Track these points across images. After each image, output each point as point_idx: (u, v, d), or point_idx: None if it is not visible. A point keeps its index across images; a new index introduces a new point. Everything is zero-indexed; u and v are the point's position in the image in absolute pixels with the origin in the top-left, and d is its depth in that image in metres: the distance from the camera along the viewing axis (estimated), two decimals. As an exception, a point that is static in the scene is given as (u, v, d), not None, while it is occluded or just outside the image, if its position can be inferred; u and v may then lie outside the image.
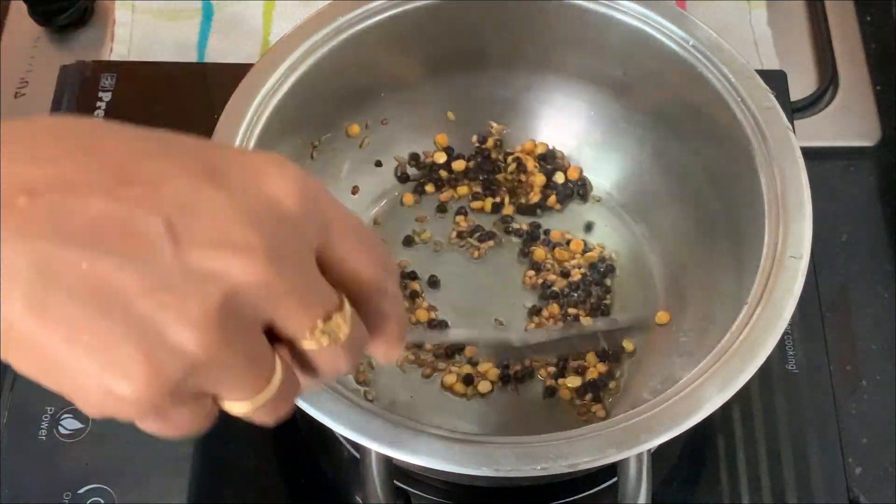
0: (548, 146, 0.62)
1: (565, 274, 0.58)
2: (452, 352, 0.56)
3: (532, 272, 0.59)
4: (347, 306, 0.30)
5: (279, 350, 0.30)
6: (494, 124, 0.62)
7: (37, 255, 0.26)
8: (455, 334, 0.57)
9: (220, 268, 0.27)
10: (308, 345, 0.30)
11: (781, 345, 0.57)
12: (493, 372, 0.55)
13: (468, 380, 0.55)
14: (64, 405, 0.55)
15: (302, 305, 0.29)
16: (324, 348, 0.30)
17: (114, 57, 0.71)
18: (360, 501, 0.54)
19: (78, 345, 0.26)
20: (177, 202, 0.27)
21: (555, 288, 0.58)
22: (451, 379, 0.56)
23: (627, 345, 0.57)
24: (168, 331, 0.26)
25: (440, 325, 0.57)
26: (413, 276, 0.59)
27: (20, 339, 0.26)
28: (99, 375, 0.26)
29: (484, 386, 0.55)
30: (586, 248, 0.59)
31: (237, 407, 0.30)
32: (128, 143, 0.28)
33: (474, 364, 0.56)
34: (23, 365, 0.27)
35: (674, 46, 0.54)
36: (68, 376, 0.27)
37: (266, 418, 0.31)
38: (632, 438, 0.42)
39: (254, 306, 0.28)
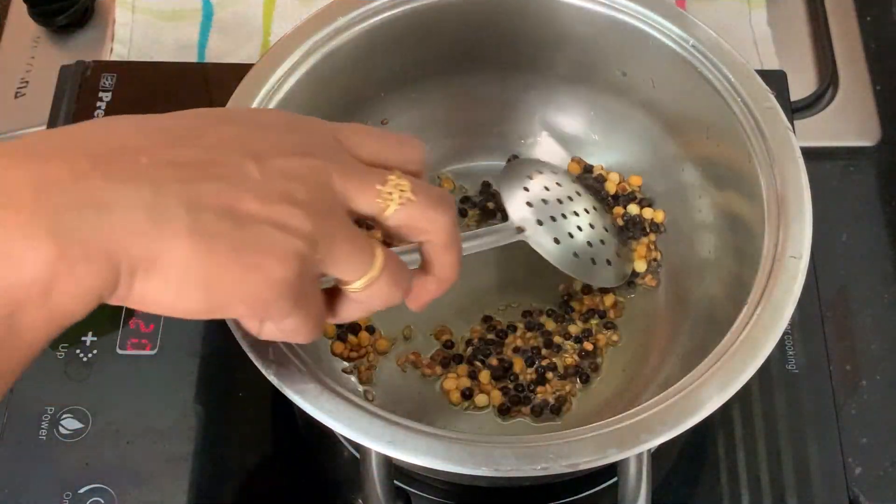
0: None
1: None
2: (448, 362, 0.56)
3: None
4: (396, 172, 0.38)
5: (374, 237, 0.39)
6: None
7: (180, 196, 0.33)
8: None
9: (297, 165, 0.35)
10: (383, 205, 0.38)
11: (781, 345, 0.57)
12: (496, 394, 0.55)
13: (466, 394, 0.55)
14: (64, 405, 0.55)
15: (360, 181, 0.37)
16: (405, 206, 0.38)
17: (114, 57, 0.71)
18: (360, 501, 0.54)
19: (235, 255, 0.33)
20: (240, 136, 0.36)
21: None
22: (450, 384, 0.56)
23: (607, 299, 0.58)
24: (285, 218, 0.34)
25: None
26: None
27: (191, 264, 0.33)
28: (259, 272, 0.34)
29: (481, 399, 0.55)
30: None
31: (355, 286, 0.37)
32: (179, 118, 0.37)
33: (473, 377, 0.56)
34: (195, 294, 0.33)
35: (674, 46, 0.54)
36: (235, 288, 0.34)
37: (390, 297, 0.38)
38: (632, 438, 0.42)
39: (331, 188, 0.36)
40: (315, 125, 0.39)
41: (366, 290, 0.37)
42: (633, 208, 0.60)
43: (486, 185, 0.62)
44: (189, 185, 0.33)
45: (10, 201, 0.30)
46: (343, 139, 0.38)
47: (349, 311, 0.40)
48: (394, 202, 0.38)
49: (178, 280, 0.33)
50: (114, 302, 0.33)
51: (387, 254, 0.38)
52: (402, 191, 0.38)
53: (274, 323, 0.37)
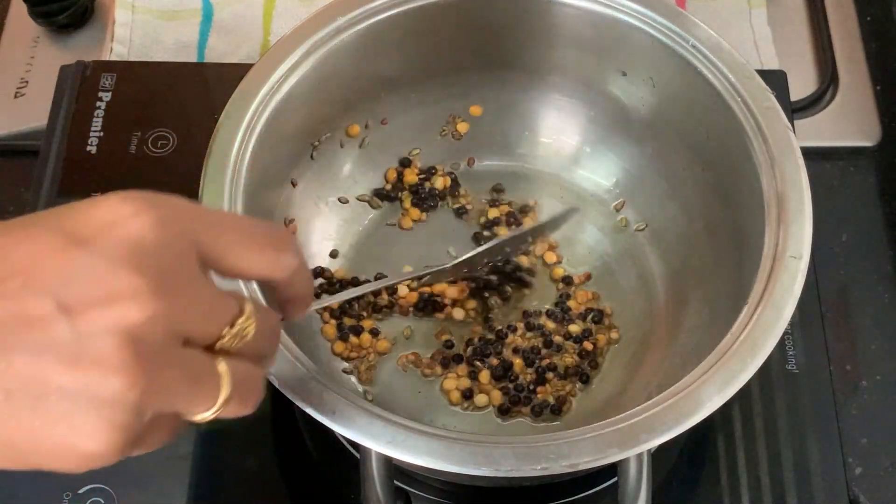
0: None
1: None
2: (448, 362, 0.57)
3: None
4: (249, 307, 0.33)
5: (217, 354, 0.33)
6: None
7: None
8: (370, 285, 0.55)
9: (116, 318, 0.29)
10: (224, 346, 0.33)
11: (781, 345, 0.57)
12: (496, 394, 0.55)
13: (466, 394, 0.55)
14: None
15: (203, 320, 0.32)
16: (241, 345, 0.33)
17: (113, 57, 0.71)
18: (361, 501, 0.54)
19: (39, 430, 0.29)
20: (55, 277, 0.29)
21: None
22: (450, 384, 0.56)
23: (608, 336, 0.57)
24: (100, 389, 0.29)
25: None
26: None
27: None
28: (70, 446, 0.29)
29: (481, 399, 0.55)
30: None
31: (203, 417, 0.32)
32: None
33: (473, 377, 0.56)
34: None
35: (674, 46, 0.54)
36: (44, 456, 0.29)
37: (238, 413, 0.34)
38: (632, 438, 0.42)
39: (162, 333, 0.30)
40: (174, 229, 0.31)
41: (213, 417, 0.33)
42: (574, 328, 0.58)
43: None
44: None
45: None
46: (208, 244, 0.32)
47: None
48: (229, 345, 0.33)
49: None
50: None
51: (234, 380, 0.32)
52: (243, 335, 0.33)
53: None
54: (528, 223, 0.61)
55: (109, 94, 0.66)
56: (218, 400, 0.32)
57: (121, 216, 0.30)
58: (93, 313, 0.29)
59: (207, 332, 0.32)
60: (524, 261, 0.59)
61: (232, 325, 0.33)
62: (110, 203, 0.31)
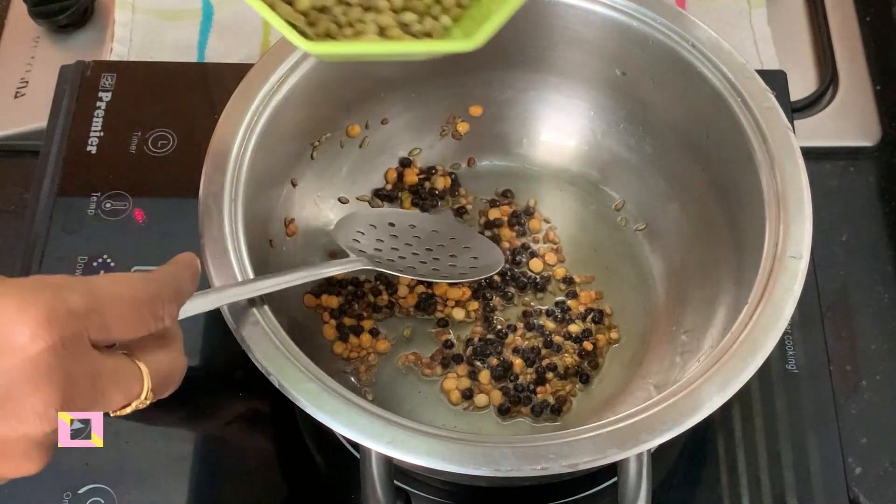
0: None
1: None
2: (448, 362, 0.57)
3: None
4: (147, 386, 0.37)
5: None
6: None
7: None
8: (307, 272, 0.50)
9: (24, 430, 0.34)
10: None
11: (781, 345, 0.57)
12: (496, 394, 0.55)
13: (466, 394, 0.55)
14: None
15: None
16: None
17: (114, 57, 0.71)
18: (361, 501, 0.54)
19: None
20: None
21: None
22: (450, 384, 0.56)
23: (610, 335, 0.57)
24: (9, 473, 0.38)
25: None
26: None
27: None
28: None
29: (481, 399, 0.55)
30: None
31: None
32: None
33: (473, 377, 0.56)
34: None
35: (674, 46, 0.54)
36: None
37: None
38: (632, 438, 0.42)
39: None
40: (70, 335, 0.34)
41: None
42: (574, 328, 0.58)
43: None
44: None
45: None
46: (96, 334, 0.35)
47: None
48: (131, 406, 0.38)
49: None
50: None
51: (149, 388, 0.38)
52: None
53: None
54: (534, 225, 0.61)
55: (109, 94, 0.66)
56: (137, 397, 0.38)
57: (22, 340, 0.33)
58: (5, 424, 0.34)
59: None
60: (537, 265, 0.59)
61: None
62: (10, 320, 0.33)
